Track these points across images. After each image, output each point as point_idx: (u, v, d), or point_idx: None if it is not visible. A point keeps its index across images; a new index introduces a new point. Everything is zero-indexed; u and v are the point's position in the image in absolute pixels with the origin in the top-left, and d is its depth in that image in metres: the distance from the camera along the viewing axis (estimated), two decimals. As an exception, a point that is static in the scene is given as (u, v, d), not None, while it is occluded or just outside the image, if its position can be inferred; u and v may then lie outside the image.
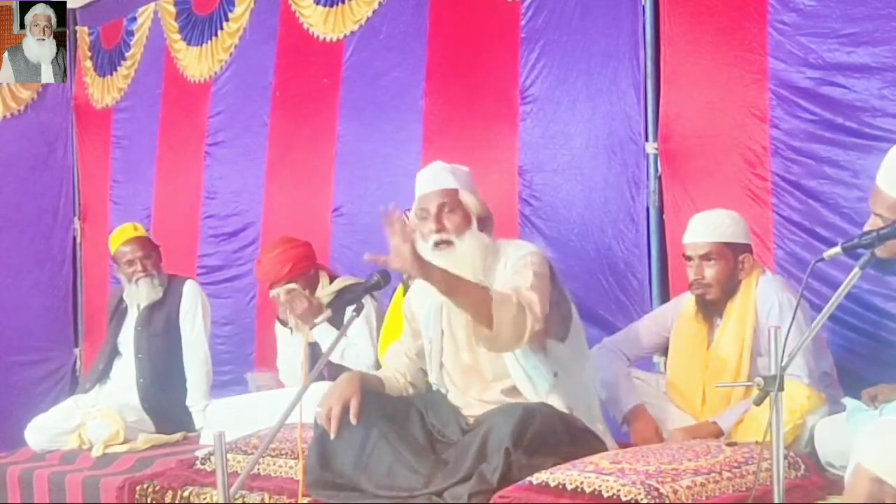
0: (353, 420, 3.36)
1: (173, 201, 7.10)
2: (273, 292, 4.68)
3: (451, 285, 3.24)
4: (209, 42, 6.81)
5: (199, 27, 6.88)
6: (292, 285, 4.63)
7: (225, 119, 6.79)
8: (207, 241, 6.82)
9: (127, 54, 7.44)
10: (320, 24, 6.10)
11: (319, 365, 3.43)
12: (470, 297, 3.26)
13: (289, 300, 4.59)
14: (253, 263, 6.39)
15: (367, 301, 4.50)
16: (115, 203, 7.58)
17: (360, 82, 5.96)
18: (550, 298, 3.40)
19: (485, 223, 3.53)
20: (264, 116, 6.50)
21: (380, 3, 5.77)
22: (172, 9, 7.04)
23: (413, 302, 3.76)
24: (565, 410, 3.39)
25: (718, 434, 3.52)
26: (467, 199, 3.51)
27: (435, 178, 3.53)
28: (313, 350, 4.34)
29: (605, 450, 3.40)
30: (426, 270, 3.21)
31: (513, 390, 3.46)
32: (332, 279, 4.80)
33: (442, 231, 3.45)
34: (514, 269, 3.42)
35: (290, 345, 4.77)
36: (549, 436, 3.22)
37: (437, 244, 3.45)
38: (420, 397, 3.63)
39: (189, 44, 6.95)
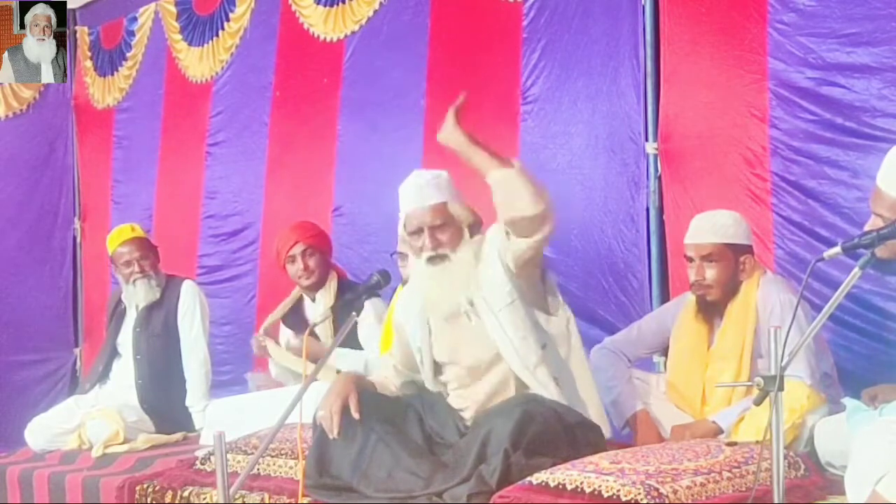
0: (355, 414, 3.38)
1: (174, 201, 7.10)
2: (294, 251, 4.71)
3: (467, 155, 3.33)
4: (210, 42, 6.80)
5: (199, 27, 6.88)
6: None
7: (225, 119, 6.79)
8: (207, 241, 6.82)
9: (128, 54, 7.43)
10: (321, 24, 6.09)
11: (319, 365, 3.44)
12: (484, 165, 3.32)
13: (303, 257, 4.68)
14: (253, 263, 6.41)
15: (381, 304, 4.55)
16: (115, 203, 7.58)
17: (360, 82, 5.96)
18: (540, 270, 3.50)
19: (474, 228, 3.56)
20: (264, 116, 6.50)
21: (380, 3, 5.76)
22: (173, 9, 7.04)
23: (399, 312, 3.77)
24: (552, 382, 3.37)
25: (717, 432, 3.52)
26: (456, 210, 3.52)
27: (421, 193, 3.52)
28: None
29: (603, 442, 3.41)
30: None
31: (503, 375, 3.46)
32: (340, 280, 4.80)
33: (438, 247, 3.47)
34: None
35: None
36: (548, 437, 3.22)
37: (430, 259, 3.47)
38: (418, 399, 3.63)
39: (190, 44, 6.94)
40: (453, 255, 3.46)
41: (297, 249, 4.69)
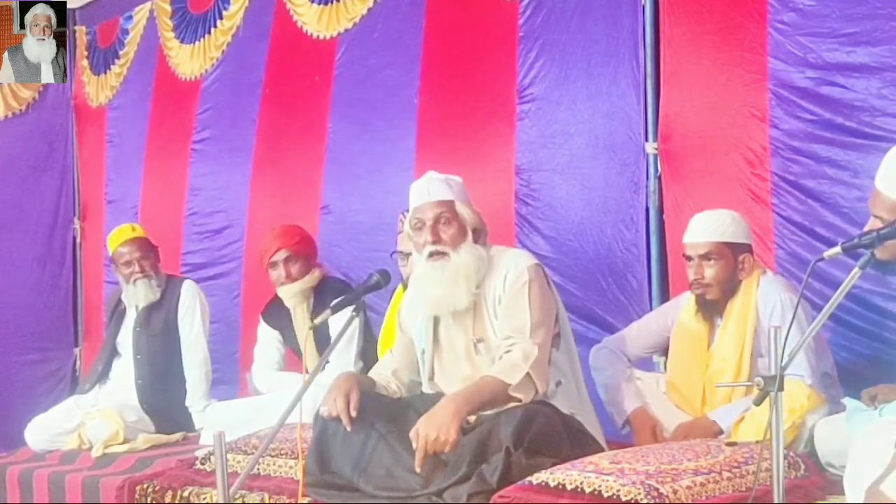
0: (353, 413, 3.38)
1: (160, 199, 7.11)
2: (276, 257, 4.70)
3: (478, 406, 3.32)
4: (202, 40, 6.81)
5: (192, 25, 6.89)
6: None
7: (213, 116, 6.80)
8: (191, 239, 6.83)
9: (121, 52, 7.44)
10: (314, 22, 6.09)
11: (318, 366, 3.44)
12: (495, 402, 3.33)
13: (285, 264, 4.67)
14: (238, 261, 6.42)
15: (355, 321, 4.54)
16: (108, 202, 7.61)
17: (352, 80, 5.96)
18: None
19: (479, 234, 3.56)
20: (253, 114, 6.50)
21: (375, 1, 5.77)
22: (168, 7, 7.04)
23: (405, 313, 3.78)
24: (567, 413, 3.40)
25: (718, 432, 3.52)
26: (463, 210, 3.53)
27: (430, 189, 3.54)
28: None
29: (604, 451, 3.41)
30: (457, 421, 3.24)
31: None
32: (322, 280, 4.79)
33: (438, 242, 3.47)
34: (512, 295, 3.45)
35: (270, 343, 4.88)
36: (550, 437, 3.22)
37: (431, 255, 3.48)
38: (419, 399, 3.63)
39: (182, 42, 6.94)
40: (454, 255, 3.46)
41: (280, 256, 4.70)
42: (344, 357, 4.53)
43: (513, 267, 3.49)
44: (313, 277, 4.74)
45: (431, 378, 3.62)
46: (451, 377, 3.57)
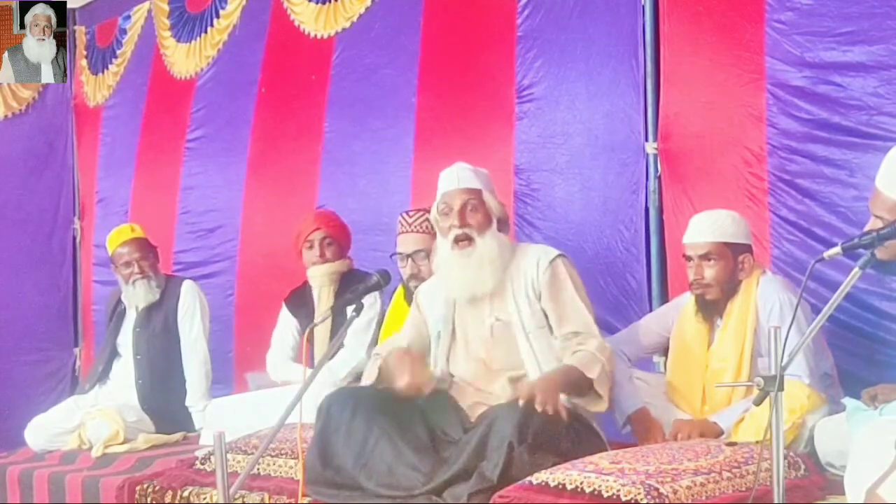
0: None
1: (152, 197, 7.10)
2: (313, 236, 4.76)
3: (568, 387, 3.41)
4: (198, 39, 6.80)
5: (189, 24, 6.89)
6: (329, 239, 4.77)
7: (207, 115, 6.79)
8: (184, 238, 6.82)
9: (118, 52, 7.45)
10: (311, 21, 6.09)
11: (318, 366, 3.44)
12: (579, 388, 3.45)
13: (321, 244, 4.73)
14: (232, 260, 6.41)
15: (377, 304, 4.55)
16: (98, 200, 7.62)
17: (349, 79, 5.96)
18: None
19: (502, 225, 3.67)
20: (248, 113, 6.49)
21: (373, 0, 5.77)
22: (166, 7, 7.04)
23: (424, 296, 3.84)
24: (568, 405, 3.41)
25: (719, 433, 3.53)
26: (489, 199, 3.64)
27: (459, 176, 3.65)
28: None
29: (605, 447, 3.42)
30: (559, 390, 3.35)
31: (522, 379, 3.49)
32: (348, 271, 4.82)
33: (465, 227, 3.55)
34: (557, 287, 3.58)
35: (287, 331, 4.91)
36: (551, 432, 3.24)
37: (457, 239, 3.57)
38: (422, 397, 3.65)
39: (179, 41, 6.94)
40: (480, 241, 3.56)
41: (317, 236, 4.75)
42: (360, 339, 4.59)
43: (543, 254, 3.63)
44: (343, 264, 4.79)
45: (446, 362, 3.67)
46: (464, 361, 3.63)
